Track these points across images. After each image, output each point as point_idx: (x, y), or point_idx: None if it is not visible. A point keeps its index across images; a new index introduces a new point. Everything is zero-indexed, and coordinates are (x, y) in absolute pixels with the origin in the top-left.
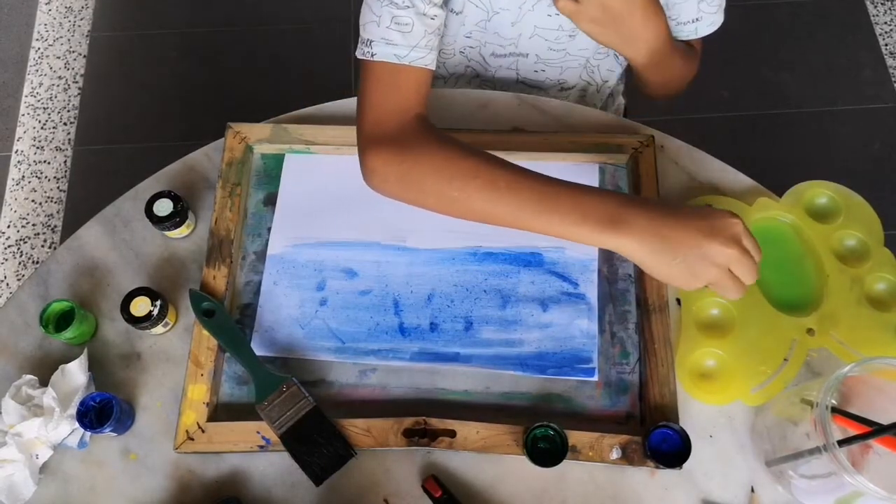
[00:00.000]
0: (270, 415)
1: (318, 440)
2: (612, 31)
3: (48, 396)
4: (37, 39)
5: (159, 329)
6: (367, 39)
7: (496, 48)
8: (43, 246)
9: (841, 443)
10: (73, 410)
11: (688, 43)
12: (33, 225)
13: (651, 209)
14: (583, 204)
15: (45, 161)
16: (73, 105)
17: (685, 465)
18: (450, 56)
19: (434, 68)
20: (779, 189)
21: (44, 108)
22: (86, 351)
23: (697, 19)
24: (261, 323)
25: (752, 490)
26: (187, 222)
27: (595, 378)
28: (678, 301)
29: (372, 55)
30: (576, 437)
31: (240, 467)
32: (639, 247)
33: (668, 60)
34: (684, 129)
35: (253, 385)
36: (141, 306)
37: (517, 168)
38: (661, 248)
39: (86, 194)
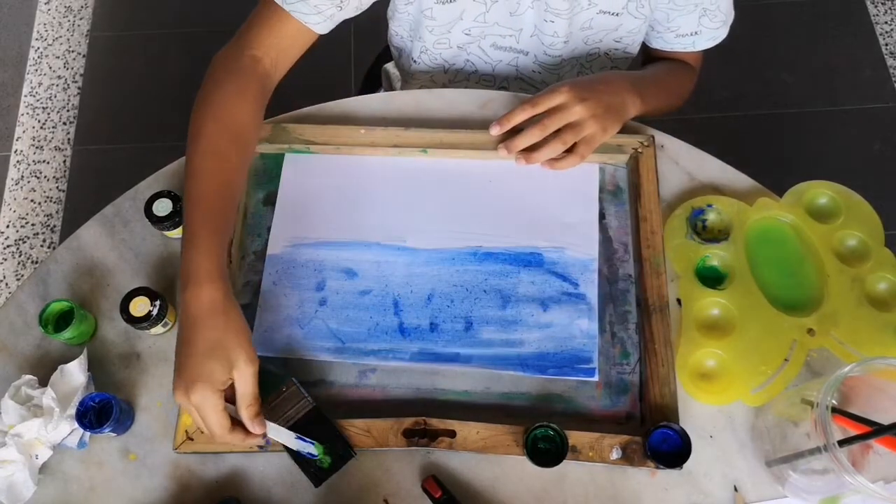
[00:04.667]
0: (270, 415)
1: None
2: (615, 118)
3: (48, 397)
4: (36, 39)
5: (159, 329)
6: None
7: (497, 39)
8: (42, 246)
9: (841, 443)
10: (72, 411)
11: (682, 60)
12: (32, 225)
13: (203, 306)
14: (193, 254)
15: (44, 161)
16: (73, 105)
17: (685, 465)
18: (445, 48)
19: (319, 33)
20: (779, 189)
21: (43, 108)
22: (85, 351)
23: (696, 33)
24: (261, 323)
25: (736, 489)
26: None
27: (595, 378)
28: (679, 301)
29: None
30: (576, 437)
31: (240, 467)
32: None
33: (656, 91)
34: (684, 129)
35: None
36: (140, 306)
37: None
38: (187, 353)
39: (85, 194)
